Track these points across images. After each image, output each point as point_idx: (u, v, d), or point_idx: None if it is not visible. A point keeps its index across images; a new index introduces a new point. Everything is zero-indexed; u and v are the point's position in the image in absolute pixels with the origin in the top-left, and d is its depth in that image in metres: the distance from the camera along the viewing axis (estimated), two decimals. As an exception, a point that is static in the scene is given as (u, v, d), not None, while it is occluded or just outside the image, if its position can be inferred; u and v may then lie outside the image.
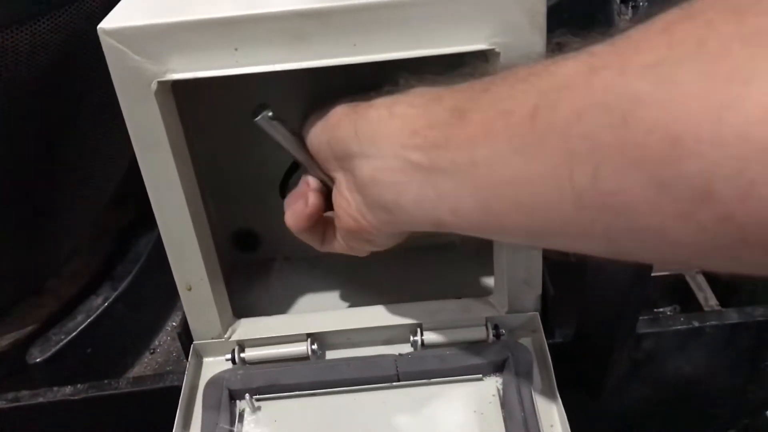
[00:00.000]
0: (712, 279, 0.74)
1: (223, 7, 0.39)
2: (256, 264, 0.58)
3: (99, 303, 0.61)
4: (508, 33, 0.39)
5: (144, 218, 0.68)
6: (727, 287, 0.73)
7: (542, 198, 0.29)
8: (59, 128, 0.55)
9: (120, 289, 0.62)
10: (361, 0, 0.38)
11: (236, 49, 0.39)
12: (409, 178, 0.34)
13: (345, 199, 0.40)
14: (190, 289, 0.47)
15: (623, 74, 0.24)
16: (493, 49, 0.38)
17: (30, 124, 0.52)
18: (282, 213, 0.45)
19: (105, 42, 0.38)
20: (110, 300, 0.62)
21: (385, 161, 0.35)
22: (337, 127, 0.39)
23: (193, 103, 0.47)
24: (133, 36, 0.38)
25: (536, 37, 0.39)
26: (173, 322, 0.68)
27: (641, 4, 0.87)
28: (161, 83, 0.39)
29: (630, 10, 0.91)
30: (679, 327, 0.51)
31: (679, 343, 0.51)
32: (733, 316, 0.50)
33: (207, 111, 0.50)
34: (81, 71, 0.52)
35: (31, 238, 0.58)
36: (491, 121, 0.30)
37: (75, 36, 0.49)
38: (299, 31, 0.38)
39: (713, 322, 0.50)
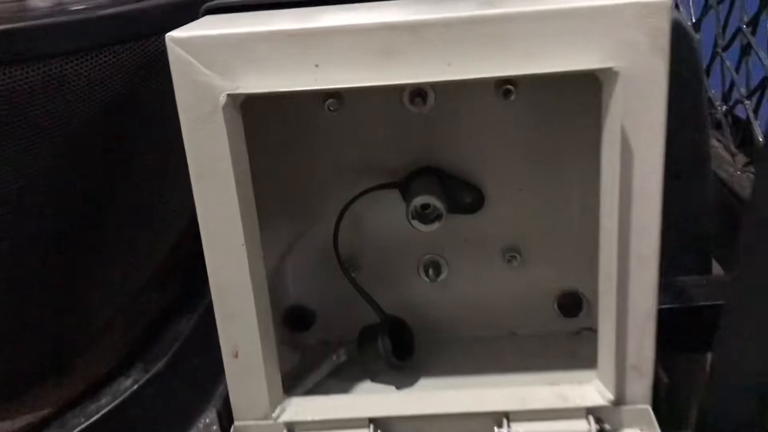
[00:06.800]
0: None
1: (305, 19, 0.35)
2: (308, 346, 0.51)
3: (128, 385, 0.55)
4: (624, 55, 0.34)
5: (188, 298, 0.62)
6: None
7: None
8: (105, 183, 0.51)
9: (152, 372, 0.56)
10: (458, 13, 0.34)
11: (317, 66, 0.35)
12: None
13: None
14: (236, 356, 0.40)
15: None
16: (610, 69, 0.33)
17: (76, 171, 0.48)
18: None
19: (173, 52, 0.35)
20: (140, 383, 0.55)
21: None
22: None
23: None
24: (204, 46, 0.35)
25: (658, 61, 0.34)
26: (206, 419, 0.60)
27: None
28: (231, 97, 0.35)
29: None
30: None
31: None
32: None
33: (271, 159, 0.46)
34: (136, 119, 0.49)
35: (60, 311, 0.53)
36: None
37: (135, 76, 0.46)
38: (387, 46, 0.34)
39: None
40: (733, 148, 0.77)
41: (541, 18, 0.33)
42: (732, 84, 0.77)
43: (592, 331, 0.50)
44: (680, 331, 0.48)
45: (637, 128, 0.35)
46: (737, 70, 0.75)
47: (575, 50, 0.34)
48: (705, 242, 0.61)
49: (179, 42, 0.34)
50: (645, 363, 0.40)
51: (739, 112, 0.77)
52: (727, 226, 0.71)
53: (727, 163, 0.77)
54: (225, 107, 0.35)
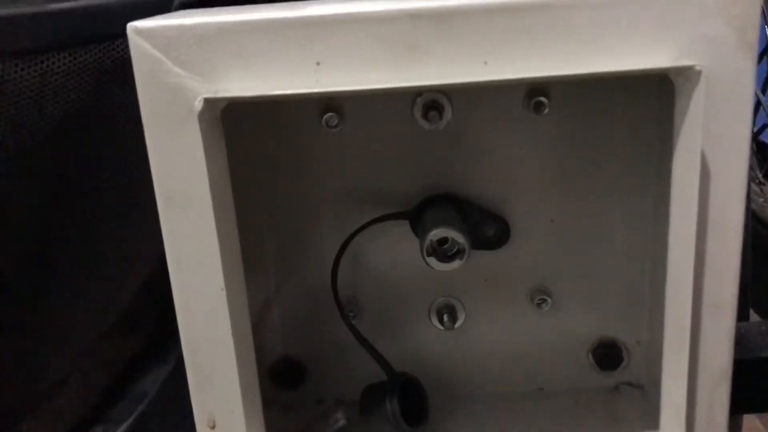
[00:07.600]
0: None
1: (304, 7, 0.28)
2: (299, 407, 0.44)
3: (83, 453, 0.47)
4: (705, 51, 0.27)
5: (156, 350, 0.55)
6: None
7: None
8: (56, 213, 0.44)
9: (114, 436, 0.48)
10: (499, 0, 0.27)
11: (318, 64, 0.28)
12: None
13: None
14: (213, 427, 0.33)
15: None
16: (691, 68, 0.27)
17: (20, 198, 0.40)
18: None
19: (136, 46, 0.28)
20: (99, 450, 0.48)
21: None
22: None
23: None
24: (176, 39, 0.28)
25: (745, 60, 0.27)
26: (178, 490, 0.52)
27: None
28: (209, 102, 0.27)
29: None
30: None
31: None
32: None
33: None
34: (98, 135, 0.41)
35: (2, 365, 0.46)
36: None
37: (96, 85, 0.39)
38: (409, 40, 0.27)
39: None
40: (760, 177, 0.72)
41: (605, 5, 0.27)
42: (757, 106, 0.72)
43: (633, 386, 0.43)
44: (743, 387, 0.41)
45: (718, 144, 0.29)
46: (763, 91, 0.70)
47: (646, 45, 0.27)
48: (745, 283, 0.55)
49: (144, 33, 0.27)
50: (718, 425, 0.33)
51: (766, 137, 0.72)
52: (757, 263, 0.65)
53: (755, 193, 0.71)
54: (201, 115, 0.28)
